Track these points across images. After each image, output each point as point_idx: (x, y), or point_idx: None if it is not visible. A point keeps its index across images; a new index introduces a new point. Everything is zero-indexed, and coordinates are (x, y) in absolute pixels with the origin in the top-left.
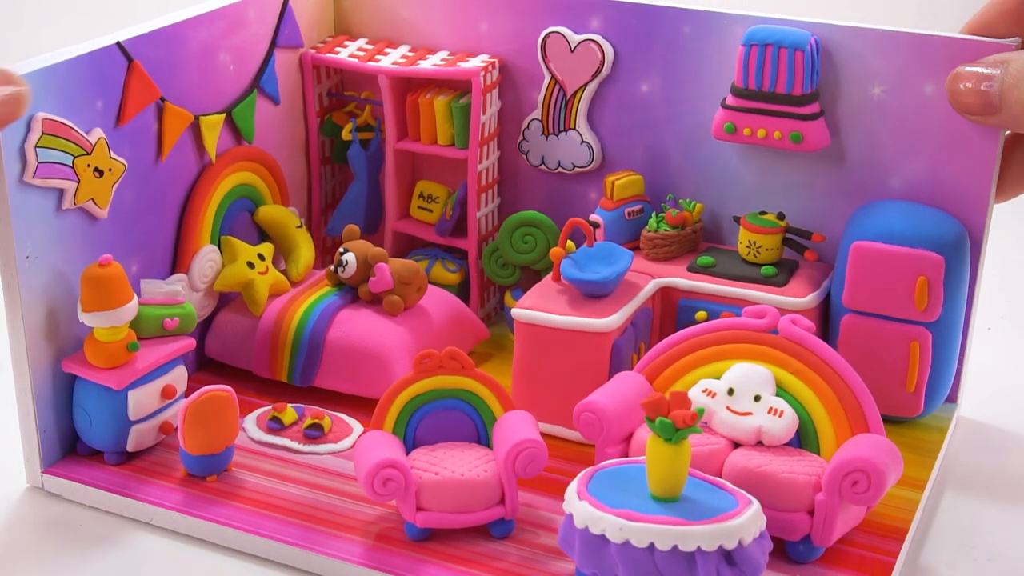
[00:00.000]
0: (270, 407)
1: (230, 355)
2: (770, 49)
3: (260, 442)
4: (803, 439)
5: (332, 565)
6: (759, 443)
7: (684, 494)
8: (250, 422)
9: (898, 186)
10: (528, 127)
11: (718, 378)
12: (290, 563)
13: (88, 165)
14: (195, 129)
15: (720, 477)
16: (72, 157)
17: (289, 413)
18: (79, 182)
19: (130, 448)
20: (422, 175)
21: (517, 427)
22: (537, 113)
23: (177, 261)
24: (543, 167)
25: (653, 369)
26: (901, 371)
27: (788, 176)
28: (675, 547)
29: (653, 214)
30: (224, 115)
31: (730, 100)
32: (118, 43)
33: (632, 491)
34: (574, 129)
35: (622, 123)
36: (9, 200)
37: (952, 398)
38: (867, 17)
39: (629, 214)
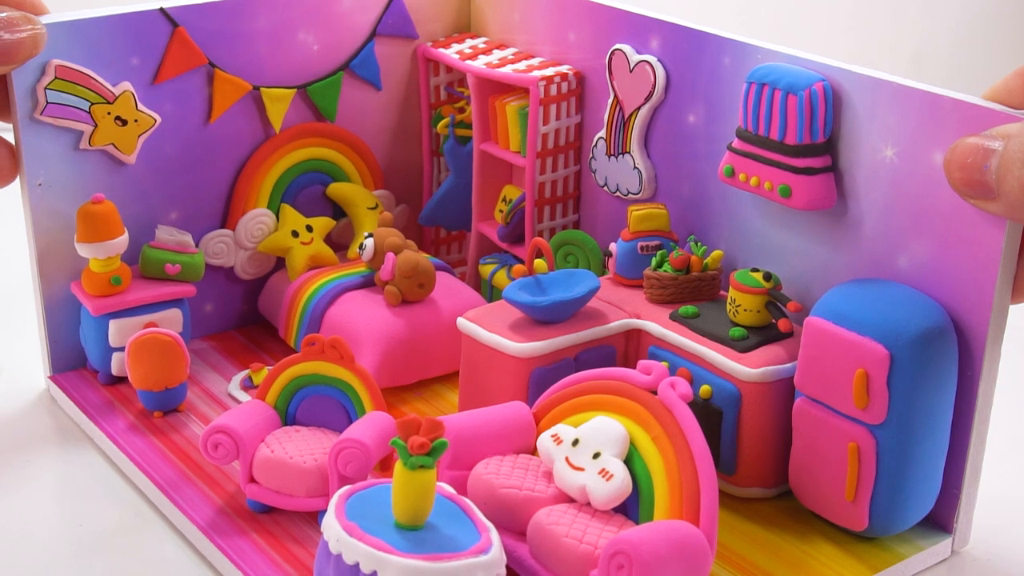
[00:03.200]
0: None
1: (271, 314)
2: (766, 90)
3: (231, 396)
4: (641, 509)
5: (173, 513)
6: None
7: (436, 524)
8: (236, 377)
9: (906, 266)
10: (596, 145)
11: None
12: (155, 503)
13: (108, 113)
14: (256, 99)
15: (527, 526)
16: (89, 103)
17: (262, 374)
18: (96, 126)
19: (115, 372)
20: (511, 179)
21: (359, 427)
22: (603, 132)
23: (227, 219)
24: (606, 188)
25: (544, 407)
26: (843, 474)
27: (805, 236)
28: (375, 572)
29: (659, 253)
30: (295, 90)
31: (735, 142)
32: (161, 9)
33: (385, 512)
34: (629, 153)
35: (670, 153)
36: (20, 132)
37: (945, 527)
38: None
39: (643, 248)
